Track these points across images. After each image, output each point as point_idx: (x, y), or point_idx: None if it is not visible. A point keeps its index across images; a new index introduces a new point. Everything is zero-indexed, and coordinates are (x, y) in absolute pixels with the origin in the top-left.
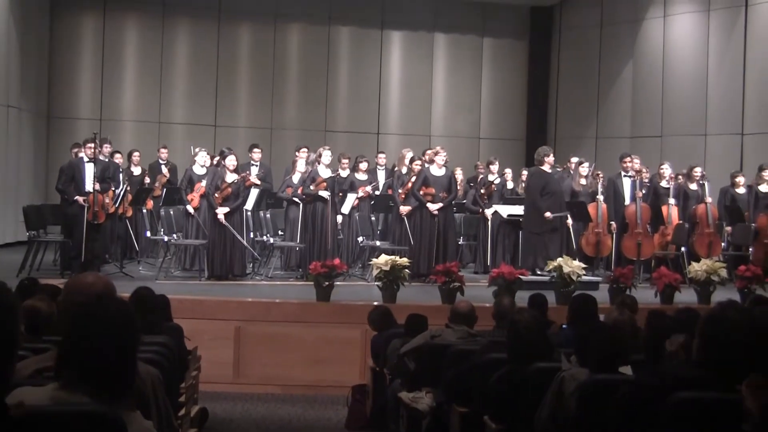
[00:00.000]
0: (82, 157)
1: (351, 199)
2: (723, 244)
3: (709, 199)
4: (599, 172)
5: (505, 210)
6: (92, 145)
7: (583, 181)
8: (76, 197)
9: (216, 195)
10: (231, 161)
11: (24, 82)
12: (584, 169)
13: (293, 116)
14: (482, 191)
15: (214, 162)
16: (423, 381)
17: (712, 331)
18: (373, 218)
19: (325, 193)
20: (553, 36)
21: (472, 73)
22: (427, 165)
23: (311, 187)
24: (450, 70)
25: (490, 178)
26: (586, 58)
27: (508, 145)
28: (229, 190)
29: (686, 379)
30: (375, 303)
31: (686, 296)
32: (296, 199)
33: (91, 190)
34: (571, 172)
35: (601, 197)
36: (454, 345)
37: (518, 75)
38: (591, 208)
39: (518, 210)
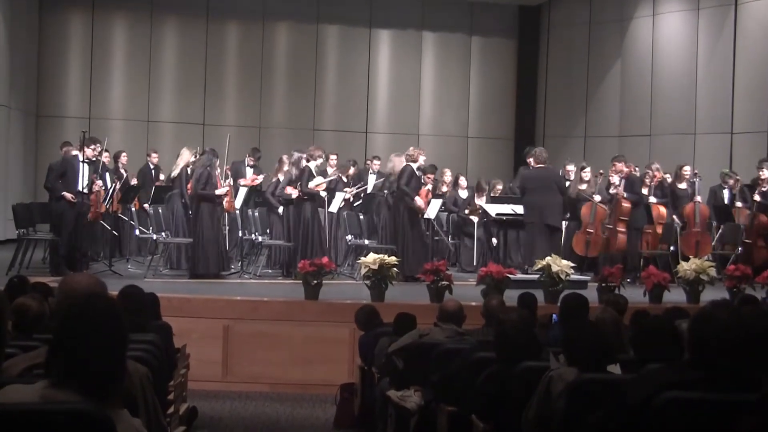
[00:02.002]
0: (76, 155)
1: (339, 198)
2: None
3: (698, 198)
4: (601, 171)
5: (494, 209)
6: (94, 146)
7: (583, 186)
8: (64, 193)
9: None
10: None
11: (13, 81)
12: (586, 174)
13: (281, 115)
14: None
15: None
16: (411, 380)
17: (702, 331)
18: (361, 216)
19: (324, 193)
20: (541, 34)
21: (460, 72)
22: (410, 163)
23: (310, 185)
24: (438, 68)
25: (462, 195)
26: (574, 57)
27: (497, 143)
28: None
29: (676, 381)
30: (363, 302)
31: (675, 296)
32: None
33: (87, 191)
34: (572, 177)
35: (597, 197)
36: (443, 344)
37: (507, 73)
38: (586, 207)
39: (506, 209)
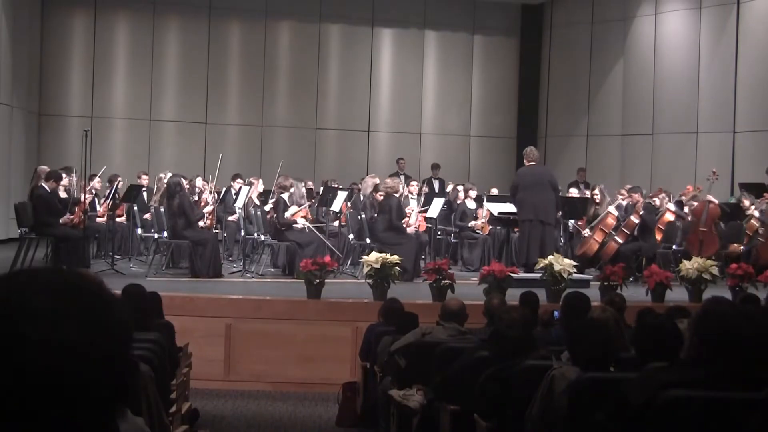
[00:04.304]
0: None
1: (341, 197)
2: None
3: (710, 197)
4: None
5: (497, 207)
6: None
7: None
8: (61, 221)
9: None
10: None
11: (15, 80)
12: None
13: (284, 114)
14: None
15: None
16: (414, 378)
17: (703, 329)
18: (363, 215)
19: (301, 221)
20: (543, 33)
21: (462, 71)
22: (394, 195)
23: (287, 215)
24: (441, 67)
25: (471, 206)
26: (576, 56)
27: (499, 142)
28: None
29: (678, 380)
30: (365, 301)
31: (677, 294)
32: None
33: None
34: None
35: (618, 209)
36: (445, 342)
37: (509, 72)
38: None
39: (509, 207)
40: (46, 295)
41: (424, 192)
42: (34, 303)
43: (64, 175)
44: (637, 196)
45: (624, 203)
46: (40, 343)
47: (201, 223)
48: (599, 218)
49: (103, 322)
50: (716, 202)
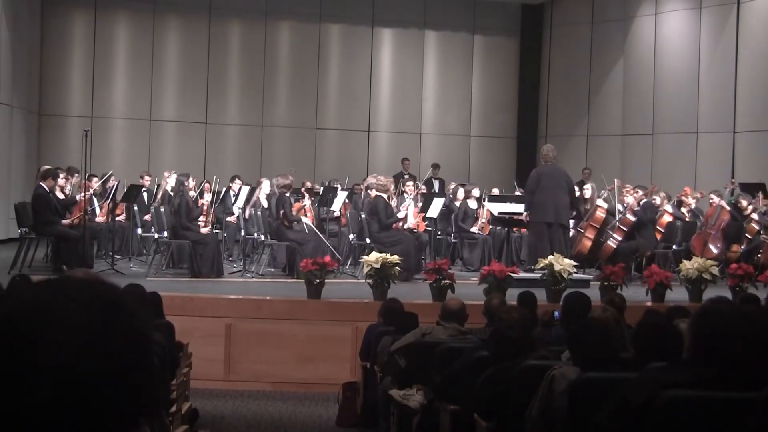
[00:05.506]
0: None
1: (341, 197)
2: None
3: (723, 203)
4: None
5: (497, 207)
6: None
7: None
8: (63, 221)
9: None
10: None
11: (15, 80)
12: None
13: (284, 114)
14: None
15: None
16: (414, 378)
17: (703, 329)
18: (363, 215)
19: (306, 219)
20: (543, 33)
21: (462, 71)
22: (382, 194)
23: (293, 213)
24: (441, 67)
25: (472, 206)
26: (577, 56)
27: (499, 142)
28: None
29: (678, 380)
30: (365, 301)
31: (678, 294)
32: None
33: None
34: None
35: (602, 202)
36: (445, 342)
37: (509, 72)
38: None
39: (510, 207)
40: (79, 304)
41: (421, 192)
42: (64, 309)
43: (61, 176)
44: (641, 194)
45: (628, 200)
46: (67, 347)
47: (204, 230)
48: (588, 214)
49: (129, 335)
50: (728, 208)
